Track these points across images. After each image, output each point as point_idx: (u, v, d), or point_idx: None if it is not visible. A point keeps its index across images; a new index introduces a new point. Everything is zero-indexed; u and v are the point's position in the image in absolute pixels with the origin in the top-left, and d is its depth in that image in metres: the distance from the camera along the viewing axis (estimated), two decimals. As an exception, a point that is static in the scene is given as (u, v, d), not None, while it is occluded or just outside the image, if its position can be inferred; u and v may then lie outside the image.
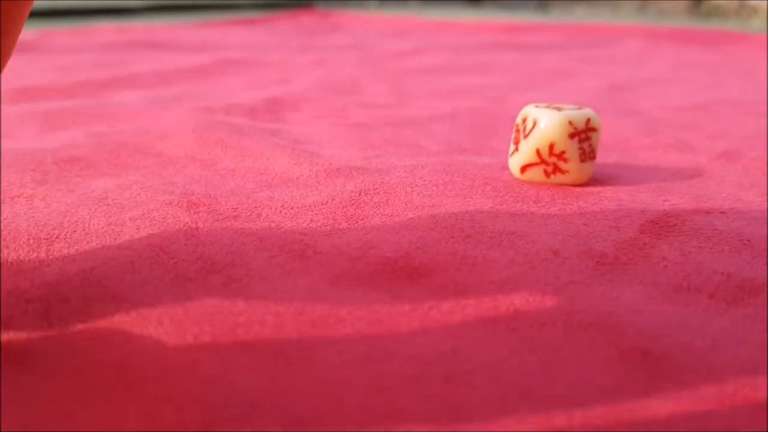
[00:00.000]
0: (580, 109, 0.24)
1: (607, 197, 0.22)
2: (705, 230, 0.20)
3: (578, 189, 0.23)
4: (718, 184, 0.24)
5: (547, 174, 0.24)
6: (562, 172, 0.24)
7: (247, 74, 0.49)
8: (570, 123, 0.23)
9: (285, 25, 0.88)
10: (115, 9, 1.02)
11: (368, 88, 0.44)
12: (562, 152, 0.23)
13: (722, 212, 0.21)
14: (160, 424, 0.11)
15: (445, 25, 0.86)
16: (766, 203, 0.22)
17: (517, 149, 0.24)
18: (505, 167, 0.26)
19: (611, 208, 0.21)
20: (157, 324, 0.15)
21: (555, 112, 0.23)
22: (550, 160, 0.23)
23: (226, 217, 0.21)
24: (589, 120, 0.23)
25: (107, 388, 0.13)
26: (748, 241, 0.19)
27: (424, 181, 0.23)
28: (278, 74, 0.49)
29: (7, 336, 0.15)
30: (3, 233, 0.19)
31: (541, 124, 0.23)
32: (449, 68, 0.53)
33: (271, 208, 0.21)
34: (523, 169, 0.24)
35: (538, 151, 0.23)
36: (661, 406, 0.12)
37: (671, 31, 0.81)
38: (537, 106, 0.24)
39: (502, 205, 0.21)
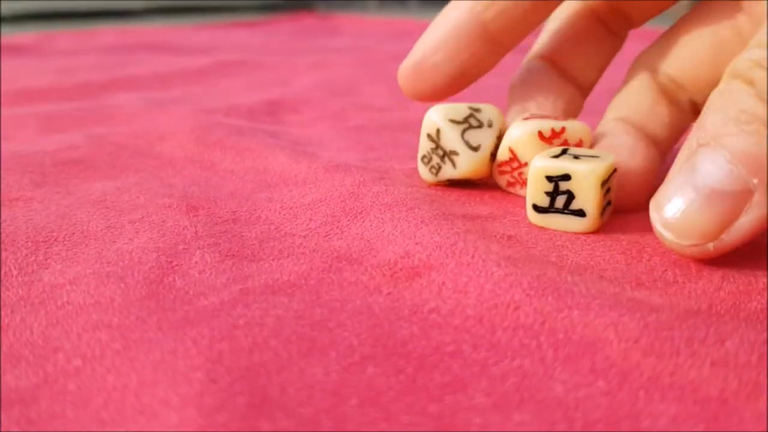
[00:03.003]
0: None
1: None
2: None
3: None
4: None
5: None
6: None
7: (247, 76, 0.49)
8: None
9: (284, 28, 0.88)
10: (115, 11, 1.02)
11: (368, 91, 0.44)
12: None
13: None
14: (157, 425, 0.11)
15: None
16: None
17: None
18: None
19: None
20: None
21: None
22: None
23: (225, 220, 0.20)
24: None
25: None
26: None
27: (424, 181, 0.23)
28: (277, 76, 0.49)
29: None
30: (1, 236, 0.19)
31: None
32: (449, 70, 0.53)
33: (270, 210, 0.21)
34: None
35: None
36: (665, 409, 0.12)
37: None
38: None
39: (500, 209, 0.21)
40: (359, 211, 0.20)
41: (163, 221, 0.20)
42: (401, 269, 0.17)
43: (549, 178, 0.19)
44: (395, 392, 0.13)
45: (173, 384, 0.12)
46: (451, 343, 0.14)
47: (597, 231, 0.19)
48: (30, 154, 0.27)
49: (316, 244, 0.19)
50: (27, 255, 0.18)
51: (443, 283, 0.16)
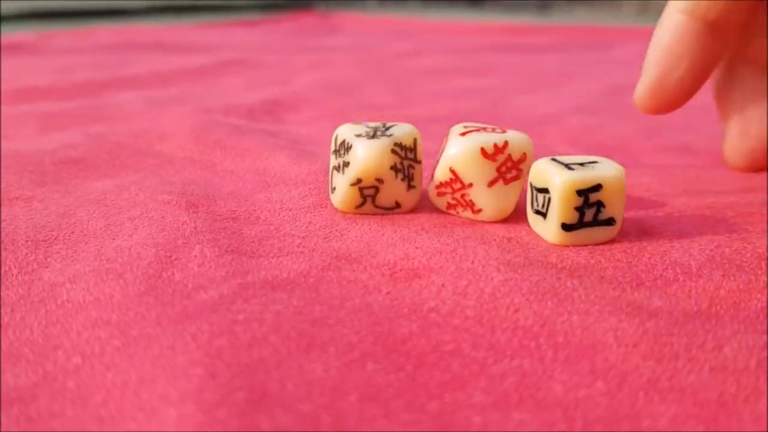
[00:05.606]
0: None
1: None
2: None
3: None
4: (720, 186, 0.24)
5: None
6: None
7: (246, 75, 0.49)
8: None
9: (284, 26, 0.88)
10: (113, 10, 1.02)
11: (368, 89, 0.44)
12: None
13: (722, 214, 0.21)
14: (156, 422, 0.11)
15: (445, 26, 0.86)
16: (766, 206, 0.22)
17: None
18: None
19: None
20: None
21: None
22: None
23: (225, 219, 0.20)
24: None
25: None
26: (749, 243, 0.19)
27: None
28: (277, 75, 0.49)
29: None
30: (2, 235, 0.19)
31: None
32: (449, 69, 0.53)
33: (269, 211, 0.21)
34: None
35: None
36: (665, 410, 0.12)
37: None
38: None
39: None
40: (359, 215, 0.20)
41: (163, 217, 0.20)
42: (401, 270, 0.17)
43: (579, 192, 0.18)
44: (395, 389, 0.13)
45: (172, 379, 0.12)
46: (450, 342, 0.14)
47: None
48: (30, 153, 0.27)
49: (315, 244, 0.19)
50: (27, 254, 0.18)
51: (443, 284, 0.16)
